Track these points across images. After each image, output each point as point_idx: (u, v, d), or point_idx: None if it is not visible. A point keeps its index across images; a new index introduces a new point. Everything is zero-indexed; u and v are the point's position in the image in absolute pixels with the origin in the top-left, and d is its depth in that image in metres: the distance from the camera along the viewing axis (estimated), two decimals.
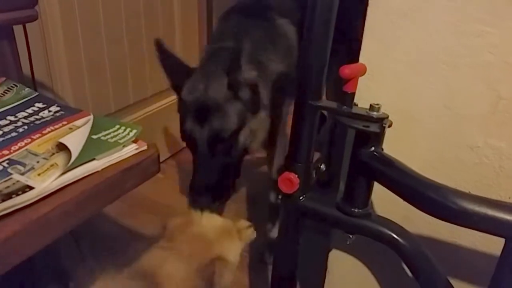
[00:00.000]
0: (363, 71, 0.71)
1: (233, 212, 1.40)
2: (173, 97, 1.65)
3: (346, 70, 0.67)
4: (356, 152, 0.67)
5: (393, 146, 0.68)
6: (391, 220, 0.67)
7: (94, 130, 0.46)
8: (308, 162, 0.72)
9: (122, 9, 1.28)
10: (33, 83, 0.63)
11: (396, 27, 0.70)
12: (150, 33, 1.42)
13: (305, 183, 0.71)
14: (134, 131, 0.46)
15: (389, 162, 0.64)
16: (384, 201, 0.74)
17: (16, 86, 0.58)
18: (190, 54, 1.65)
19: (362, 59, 0.74)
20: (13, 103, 0.54)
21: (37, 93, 0.56)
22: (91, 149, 0.42)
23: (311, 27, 0.69)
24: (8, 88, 0.57)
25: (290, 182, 0.70)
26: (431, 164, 0.73)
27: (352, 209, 0.66)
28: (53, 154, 0.42)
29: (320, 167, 0.75)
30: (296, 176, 0.70)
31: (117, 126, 0.46)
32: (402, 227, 0.66)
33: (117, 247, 0.95)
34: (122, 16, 1.30)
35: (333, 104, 0.72)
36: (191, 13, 1.62)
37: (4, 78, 0.60)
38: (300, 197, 0.71)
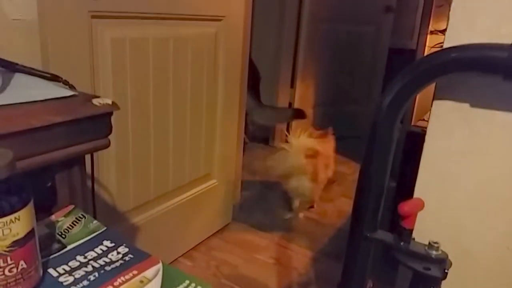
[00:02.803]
0: (421, 206, 0.70)
1: None
2: (208, 183, 1.68)
3: (405, 207, 0.67)
4: None
5: (450, 283, 0.65)
6: None
7: (164, 284, 0.46)
8: None
9: (170, 107, 1.35)
10: (93, 207, 0.66)
11: (454, 165, 0.70)
12: (194, 127, 1.47)
13: None
14: None
15: None
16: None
17: (84, 217, 0.60)
18: (228, 153, 1.70)
19: (417, 192, 0.74)
20: (82, 238, 0.55)
21: (104, 228, 0.57)
22: None
23: (369, 158, 0.70)
24: (77, 218, 0.59)
25: None
26: None
27: None
28: None
29: None
30: None
31: (187, 282, 0.47)
32: None
33: None
34: (170, 113, 1.36)
35: (390, 238, 0.71)
36: (232, 117, 1.69)
37: (72, 206, 0.62)
38: None
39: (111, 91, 1.15)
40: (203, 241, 1.70)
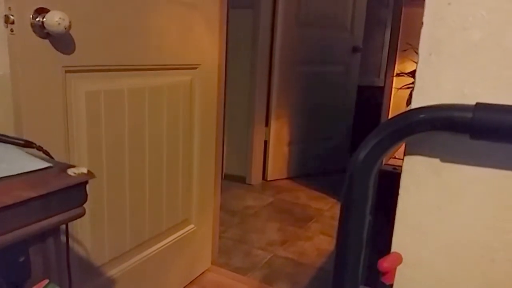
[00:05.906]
0: (399, 261, 0.71)
1: None
2: (186, 228, 1.65)
3: (384, 263, 0.68)
4: None
5: None
6: None
7: None
8: None
9: (146, 156, 1.34)
10: (68, 279, 0.63)
11: (428, 217, 0.72)
12: (170, 173, 1.46)
13: None
14: None
15: None
16: None
17: None
18: (205, 197, 1.69)
19: (394, 246, 0.75)
20: None
21: None
22: None
23: (345, 218, 0.71)
24: None
25: None
26: None
27: None
28: None
29: None
30: None
31: None
32: None
33: None
34: (146, 162, 1.35)
35: None
36: (209, 160, 1.69)
37: (47, 281, 0.60)
38: None
39: (86, 145, 1.13)
40: (185, 286, 1.65)
